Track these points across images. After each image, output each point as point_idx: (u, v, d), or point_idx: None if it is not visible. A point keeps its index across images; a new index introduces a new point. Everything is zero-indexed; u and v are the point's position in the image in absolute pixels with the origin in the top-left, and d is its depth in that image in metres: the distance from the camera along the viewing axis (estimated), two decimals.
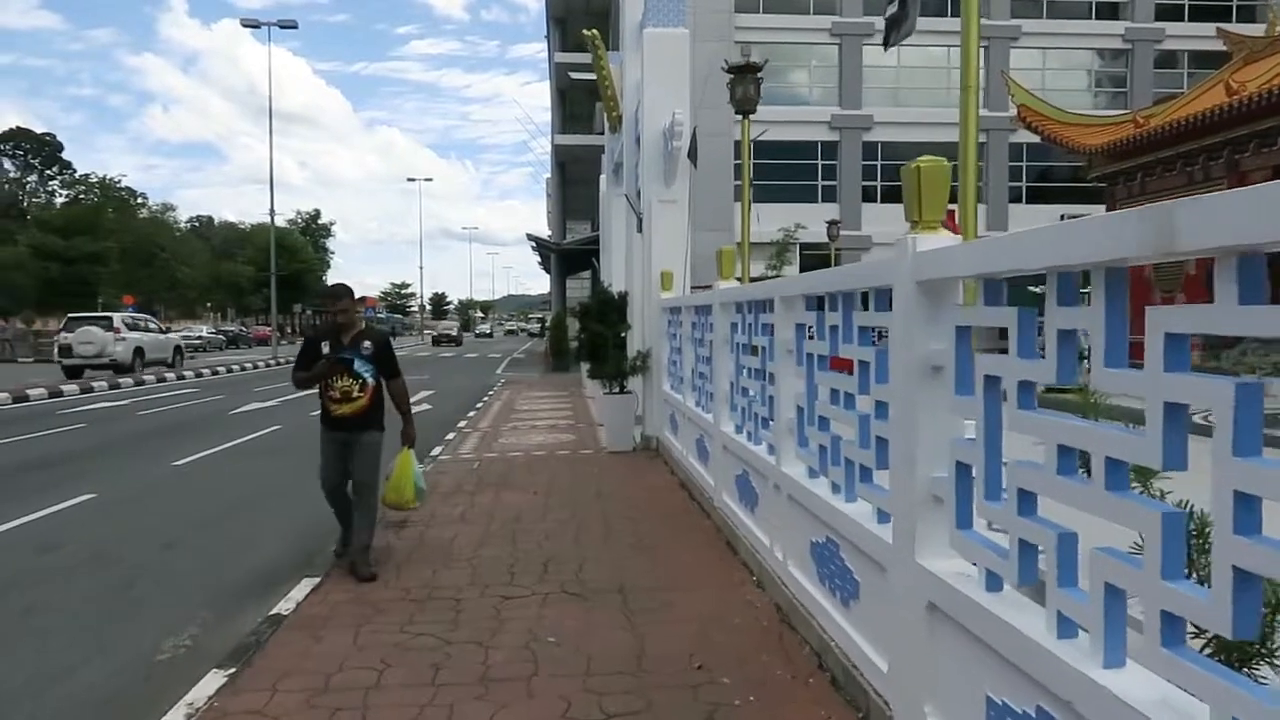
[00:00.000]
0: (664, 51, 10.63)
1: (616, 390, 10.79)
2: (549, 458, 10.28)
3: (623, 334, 11.31)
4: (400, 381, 5.91)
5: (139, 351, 25.23)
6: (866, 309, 3.63)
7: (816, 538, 4.16)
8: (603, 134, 34.29)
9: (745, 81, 10.36)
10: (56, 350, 24.93)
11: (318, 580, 5.46)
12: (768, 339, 5.27)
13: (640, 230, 10.95)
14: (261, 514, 7.87)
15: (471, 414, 15.37)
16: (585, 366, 14.72)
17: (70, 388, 20.18)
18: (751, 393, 5.73)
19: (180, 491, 8.94)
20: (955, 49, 34.12)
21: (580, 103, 39.35)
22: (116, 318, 25.55)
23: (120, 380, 22.45)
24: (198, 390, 21.43)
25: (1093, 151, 23.86)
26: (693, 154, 10.18)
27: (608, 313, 11.39)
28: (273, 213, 36.52)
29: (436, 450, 10.99)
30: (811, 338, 4.43)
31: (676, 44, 10.65)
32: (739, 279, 7.25)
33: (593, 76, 37.57)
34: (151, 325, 27.78)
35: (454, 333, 60.19)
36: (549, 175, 45.44)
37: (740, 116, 10.38)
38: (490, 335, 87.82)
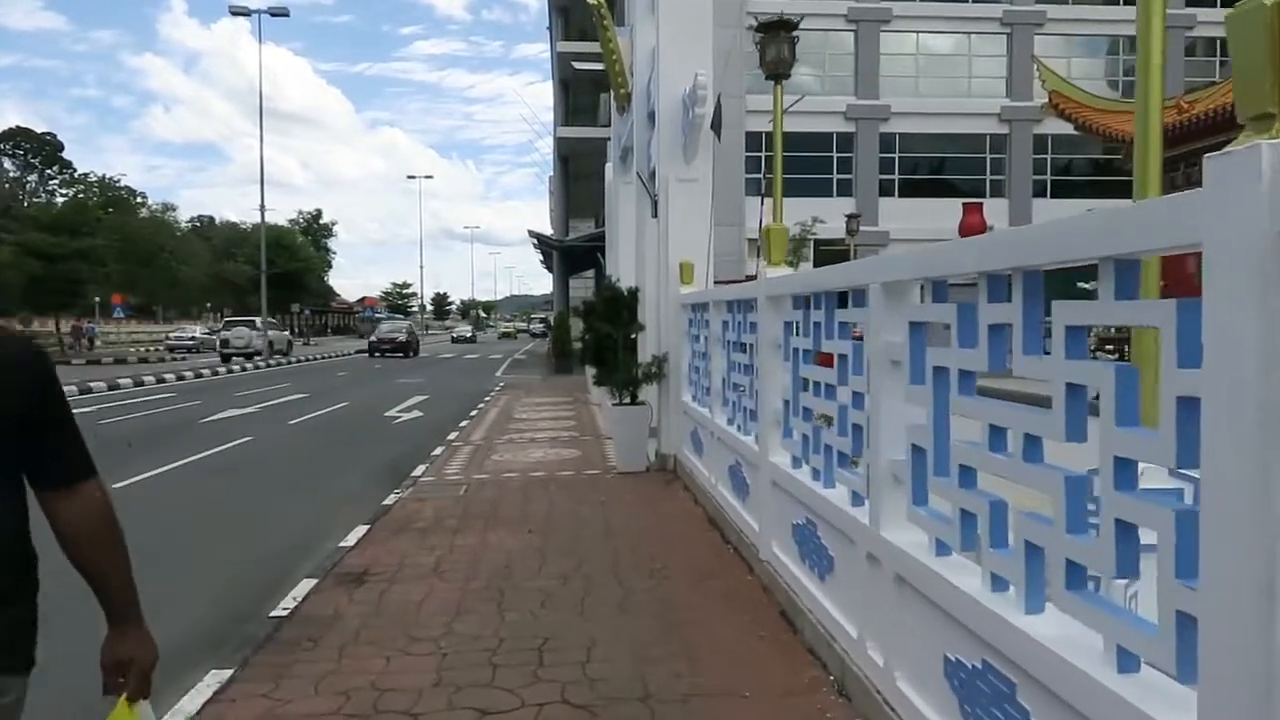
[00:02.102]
0: (683, 5, 9.14)
1: (627, 400, 9.29)
2: (549, 480, 8.78)
3: (633, 335, 9.82)
4: (93, 494, 1.79)
5: (271, 343, 36.73)
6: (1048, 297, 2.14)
7: (963, 657, 2.66)
8: (607, 125, 32.86)
9: (778, 41, 8.84)
10: (218, 343, 37.88)
11: (227, 676, 3.96)
12: (849, 345, 3.78)
13: (655, 215, 9.46)
14: (188, 560, 6.39)
15: (464, 423, 13.89)
16: (591, 371, 13.25)
17: None
18: (818, 415, 4.25)
19: None
20: (976, 36, 32.78)
21: (584, 94, 37.88)
22: (257, 320, 38.35)
23: (91, 384, 21.02)
24: (175, 395, 20.01)
25: (1130, 140, 22.34)
26: (716, 124, 8.68)
27: (617, 310, 9.90)
28: (263, 207, 35.07)
29: (420, 469, 9.51)
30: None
31: None
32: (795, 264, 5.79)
33: (598, 66, 36.21)
34: (275, 325, 42.66)
35: (401, 337, 39.56)
36: (552, 174, 43.96)
37: (772, 82, 8.88)
38: (471, 339, 67.31)
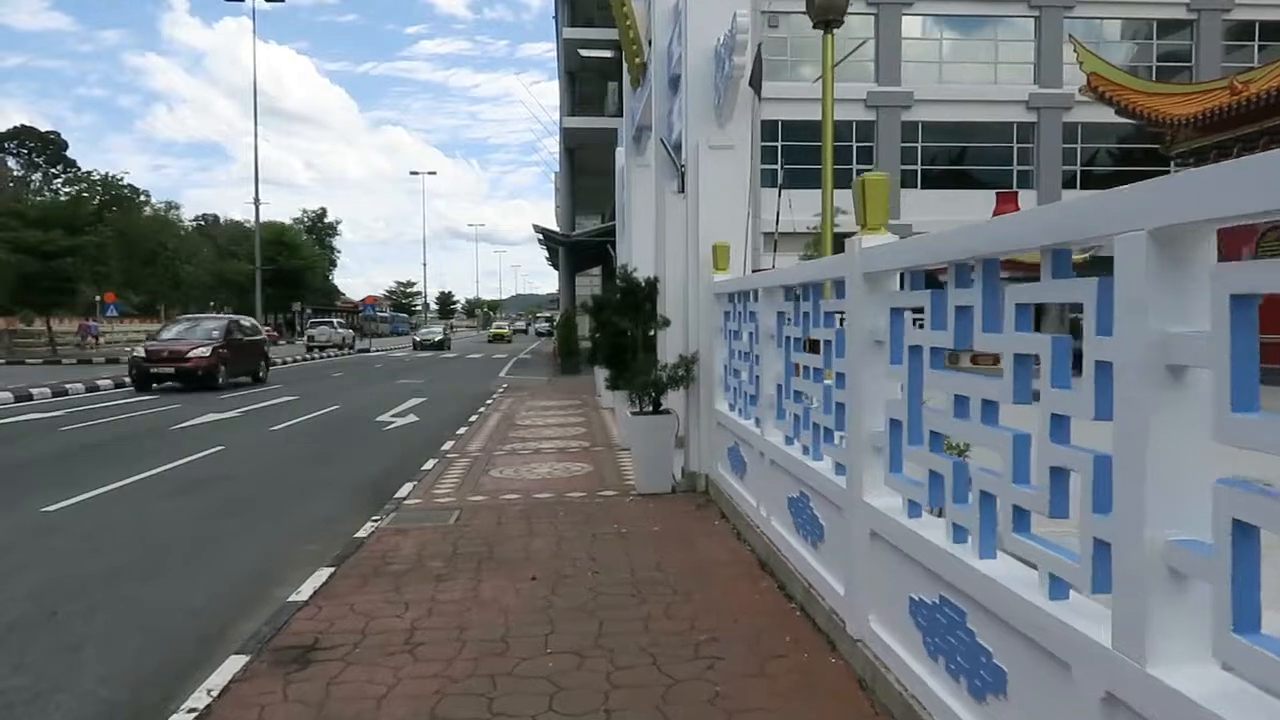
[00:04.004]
0: None
1: (648, 409, 7.89)
2: (557, 504, 7.39)
3: (652, 332, 8.43)
4: None
5: (345, 338, 46.83)
6: None
7: None
8: (614, 116, 31.42)
9: None
10: (306, 338, 46.53)
11: None
12: (1045, 341, 2.36)
13: (681, 190, 8.05)
14: (96, 620, 4.99)
15: (463, 430, 12.51)
16: (602, 373, 11.86)
17: (4, 395, 17.36)
18: (950, 445, 2.87)
19: (13, 565, 6.07)
20: (1003, 20, 31.29)
21: (591, 83, 36.49)
22: (335, 321, 49.41)
23: (67, 386, 19.68)
24: (156, 398, 18.63)
25: (1178, 123, 20.92)
26: (756, 79, 7.28)
27: (635, 304, 8.50)
28: (257, 201, 33.80)
29: (406, 489, 8.11)
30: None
31: None
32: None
33: (605, 53, 34.84)
34: (344, 325, 51.50)
35: (200, 352, 19.71)
36: (557, 171, 42.49)
37: (822, 29, 7.48)
38: (440, 345, 48.38)
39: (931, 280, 3.26)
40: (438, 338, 49.90)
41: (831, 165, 7.87)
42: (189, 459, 10.37)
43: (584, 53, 34.48)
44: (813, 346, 4.74)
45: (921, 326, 3.16)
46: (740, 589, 4.97)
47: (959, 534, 2.87)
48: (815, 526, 4.43)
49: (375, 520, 6.84)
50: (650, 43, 10.96)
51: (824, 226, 7.94)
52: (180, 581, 5.66)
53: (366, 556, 5.80)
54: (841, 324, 4.11)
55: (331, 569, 5.49)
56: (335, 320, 49.75)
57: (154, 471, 9.52)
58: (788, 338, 5.03)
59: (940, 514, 3.08)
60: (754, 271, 7.80)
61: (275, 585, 5.41)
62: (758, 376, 5.77)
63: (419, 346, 48.41)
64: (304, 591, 5.04)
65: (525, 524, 6.65)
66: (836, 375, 4.10)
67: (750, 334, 5.98)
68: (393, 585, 5.15)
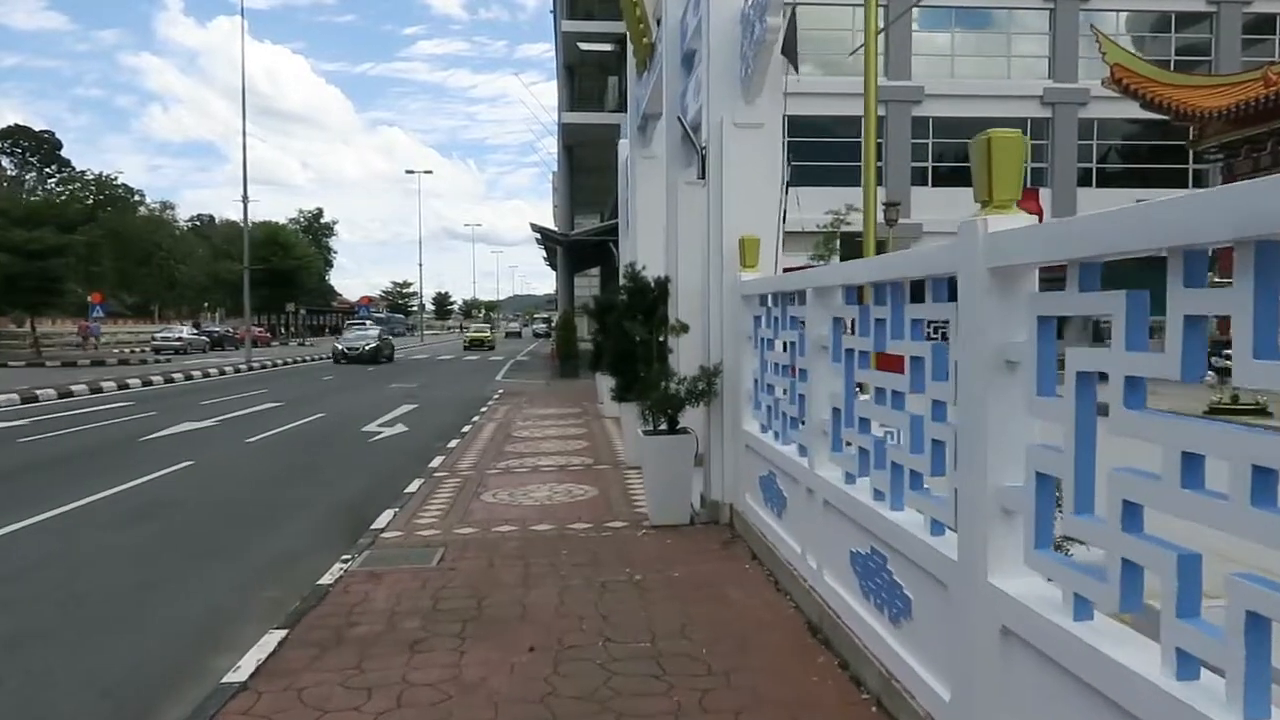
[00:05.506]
0: None
1: (663, 427, 6.86)
2: (558, 539, 6.36)
3: (663, 338, 7.42)
4: None
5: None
6: None
7: None
8: (613, 111, 30.43)
9: None
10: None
11: None
12: None
13: (702, 176, 7.04)
14: None
15: (454, 442, 11.50)
16: (606, 381, 10.86)
17: None
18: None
19: None
20: (1016, 11, 30.32)
21: (590, 78, 35.50)
22: (367, 322, 51.18)
23: (38, 392, 18.61)
24: (132, 405, 17.60)
25: (1207, 116, 19.96)
26: (790, 46, 6.28)
27: (645, 306, 7.52)
28: (246, 199, 32.69)
29: (385, 517, 7.09)
30: None
31: None
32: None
33: (605, 47, 33.83)
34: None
35: None
36: (555, 171, 41.43)
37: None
38: (375, 356, 33.14)
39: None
40: (369, 345, 33.52)
41: (874, 147, 6.87)
42: (150, 477, 9.36)
43: (583, 46, 33.47)
44: (883, 362, 3.75)
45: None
46: (792, 667, 3.95)
47: (1187, 667, 1.86)
48: (897, 597, 3.42)
49: (345, 560, 5.82)
50: (660, 21, 9.98)
51: (866, 218, 6.96)
52: (102, 647, 4.64)
53: (329, 612, 4.79)
54: (936, 336, 3.11)
55: (284, 631, 4.47)
56: (368, 321, 54.37)
57: (107, 493, 8.50)
58: (849, 351, 4.02)
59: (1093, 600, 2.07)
60: (784, 270, 6.78)
61: (214, 652, 4.42)
62: (802, 395, 4.76)
63: (344, 357, 33.14)
64: (244, 666, 4.02)
65: (521, 567, 5.63)
66: (933, 404, 3.09)
67: (792, 344, 4.97)
68: (355, 657, 4.13)
